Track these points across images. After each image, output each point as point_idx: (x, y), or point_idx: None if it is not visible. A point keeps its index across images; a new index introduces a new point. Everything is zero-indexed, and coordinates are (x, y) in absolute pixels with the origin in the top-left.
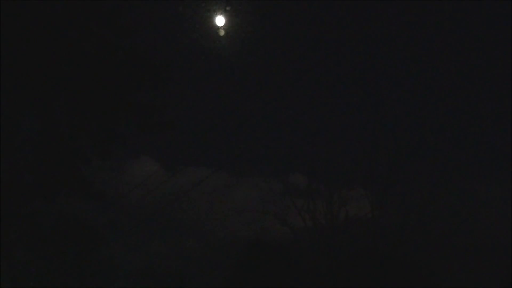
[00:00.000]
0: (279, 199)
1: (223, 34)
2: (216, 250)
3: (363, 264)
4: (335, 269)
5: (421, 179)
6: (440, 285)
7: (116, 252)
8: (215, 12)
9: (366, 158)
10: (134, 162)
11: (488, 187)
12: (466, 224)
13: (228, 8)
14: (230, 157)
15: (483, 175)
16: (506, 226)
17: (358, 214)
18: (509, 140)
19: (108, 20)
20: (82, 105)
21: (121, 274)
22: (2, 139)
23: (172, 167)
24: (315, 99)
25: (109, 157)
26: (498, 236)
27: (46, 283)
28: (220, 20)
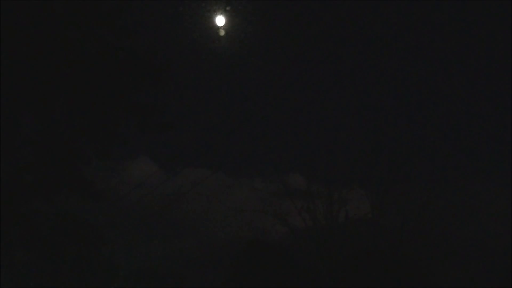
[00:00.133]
0: (279, 199)
1: (223, 34)
2: (216, 250)
3: (363, 264)
4: (335, 269)
5: (421, 179)
6: (440, 285)
7: (116, 252)
8: (215, 12)
9: (366, 159)
10: (133, 162)
11: (488, 187)
12: (466, 224)
13: (228, 8)
14: (228, 158)
15: (483, 175)
16: (506, 226)
17: (358, 214)
18: (509, 140)
19: (108, 20)
20: (82, 105)
21: (121, 274)
22: (2, 139)
23: (170, 168)
24: (315, 99)
25: (109, 157)
26: (498, 236)
27: (46, 283)
28: (220, 20)
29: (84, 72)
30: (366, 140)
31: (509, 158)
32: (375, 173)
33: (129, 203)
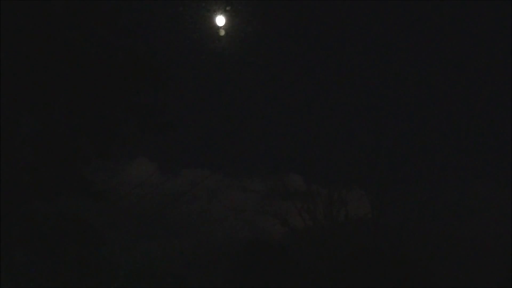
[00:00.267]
0: (279, 199)
1: (223, 34)
2: (216, 250)
3: (363, 264)
4: (335, 269)
5: (421, 179)
6: (440, 285)
7: (116, 252)
8: (215, 12)
9: (366, 159)
10: (131, 163)
11: (488, 187)
12: (466, 224)
13: (228, 8)
14: (228, 158)
15: (483, 175)
16: (506, 226)
17: (358, 214)
18: (509, 140)
19: (108, 20)
20: (82, 105)
21: (121, 274)
22: (2, 139)
23: (169, 168)
24: (315, 99)
25: (109, 157)
26: (498, 236)
27: (46, 283)
28: (220, 20)
29: (84, 72)
30: (366, 140)
31: (509, 158)
32: (375, 173)
33: (128, 203)
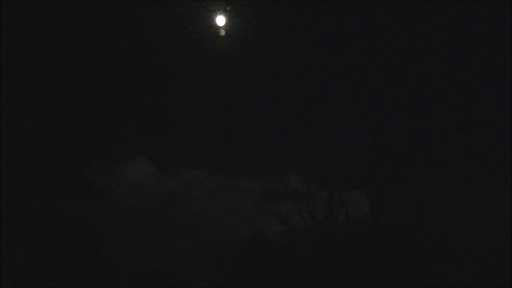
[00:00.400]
0: (279, 200)
1: (224, 34)
2: (216, 250)
3: (363, 264)
4: (335, 269)
5: (421, 179)
6: (440, 285)
7: (116, 252)
8: (215, 12)
9: (366, 159)
10: (129, 163)
11: (488, 187)
12: (466, 224)
13: (228, 8)
14: (227, 158)
15: (483, 175)
16: (506, 226)
17: (358, 214)
18: (509, 140)
19: (108, 20)
20: (82, 105)
21: (121, 274)
22: (2, 139)
23: (167, 169)
24: (315, 99)
25: (109, 157)
26: (498, 236)
27: (46, 283)
28: (220, 20)
29: (84, 72)
30: (366, 140)
31: (509, 158)
32: (375, 173)
33: (128, 203)
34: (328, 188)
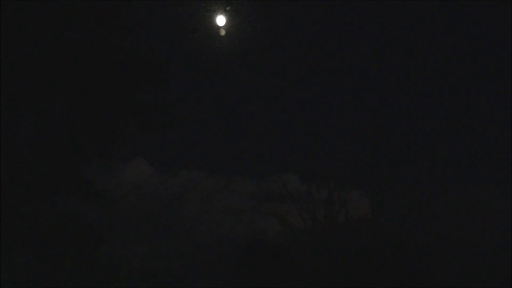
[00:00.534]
0: (279, 200)
1: (224, 34)
2: (216, 251)
3: (363, 264)
4: (335, 269)
5: (421, 179)
6: (440, 285)
7: (116, 252)
8: (215, 12)
9: (366, 159)
10: (128, 164)
11: (488, 187)
12: (466, 224)
13: (228, 8)
14: (227, 159)
15: (483, 175)
16: (506, 226)
17: (358, 214)
18: (509, 140)
19: (108, 20)
20: (82, 105)
21: (121, 274)
22: (2, 139)
23: (166, 169)
24: (315, 99)
25: (109, 157)
26: (498, 236)
27: (46, 283)
28: (220, 20)
29: (84, 72)
30: (366, 140)
31: (509, 158)
32: (375, 173)
33: (128, 203)
34: (328, 188)
